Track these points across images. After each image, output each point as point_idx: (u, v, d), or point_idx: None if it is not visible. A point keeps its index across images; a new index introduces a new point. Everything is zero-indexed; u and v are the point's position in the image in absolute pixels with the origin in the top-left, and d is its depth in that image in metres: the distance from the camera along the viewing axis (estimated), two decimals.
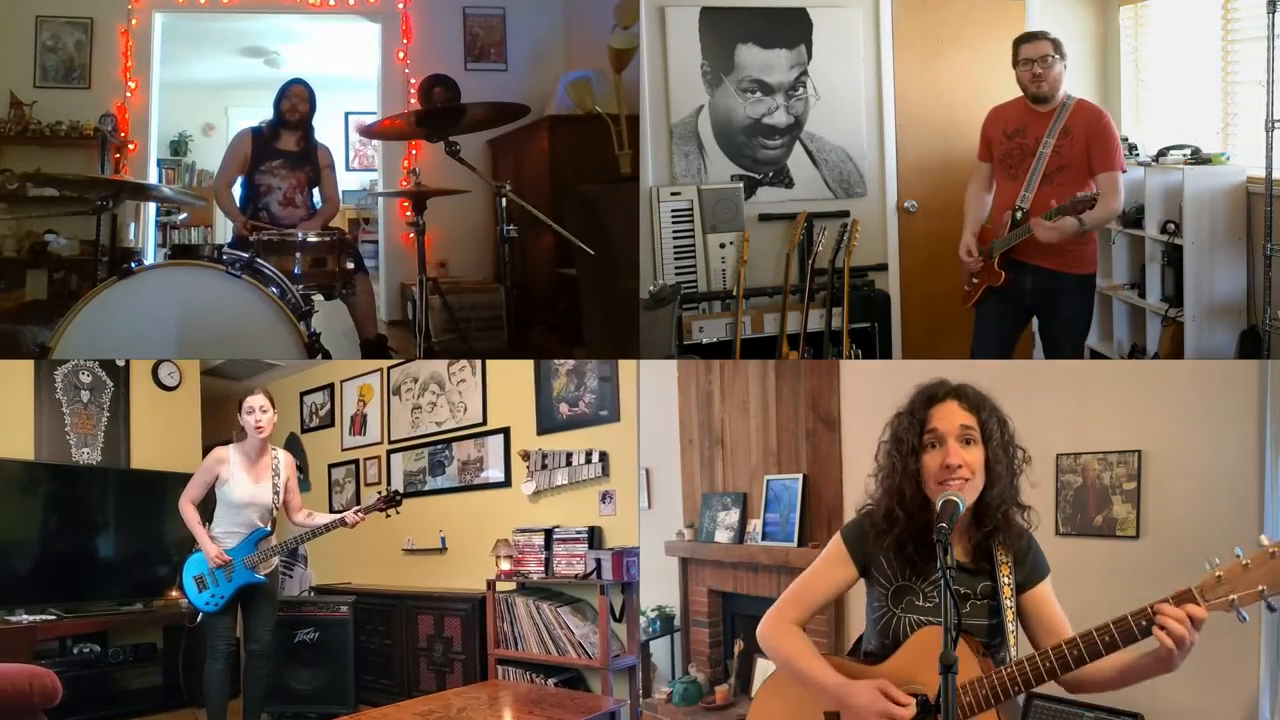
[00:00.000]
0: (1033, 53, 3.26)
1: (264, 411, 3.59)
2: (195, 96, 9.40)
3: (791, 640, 1.81)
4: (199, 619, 3.63)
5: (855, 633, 2.18)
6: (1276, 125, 3.39)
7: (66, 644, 4.46)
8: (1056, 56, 3.25)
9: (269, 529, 3.65)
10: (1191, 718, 2.57)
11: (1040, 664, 1.62)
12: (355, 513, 3.65)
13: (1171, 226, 3.85)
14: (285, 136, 4.49)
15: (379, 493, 3.77)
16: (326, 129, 4.76)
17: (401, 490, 3.80)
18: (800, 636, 1.83)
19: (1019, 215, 3.26)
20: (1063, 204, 3.12)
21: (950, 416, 1.71)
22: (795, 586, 1.90)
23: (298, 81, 4.57)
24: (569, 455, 4.20)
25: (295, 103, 4.47)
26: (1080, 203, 3.09)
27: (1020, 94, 3.36)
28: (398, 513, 3.72)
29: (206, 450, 5.52)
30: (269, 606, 3.73)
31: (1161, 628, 1.52)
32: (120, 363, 5.07)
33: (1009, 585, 1.71)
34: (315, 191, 4.64)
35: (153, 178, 6.44)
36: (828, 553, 1.87)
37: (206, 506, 3.69)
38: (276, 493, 3.66)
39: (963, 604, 1.69)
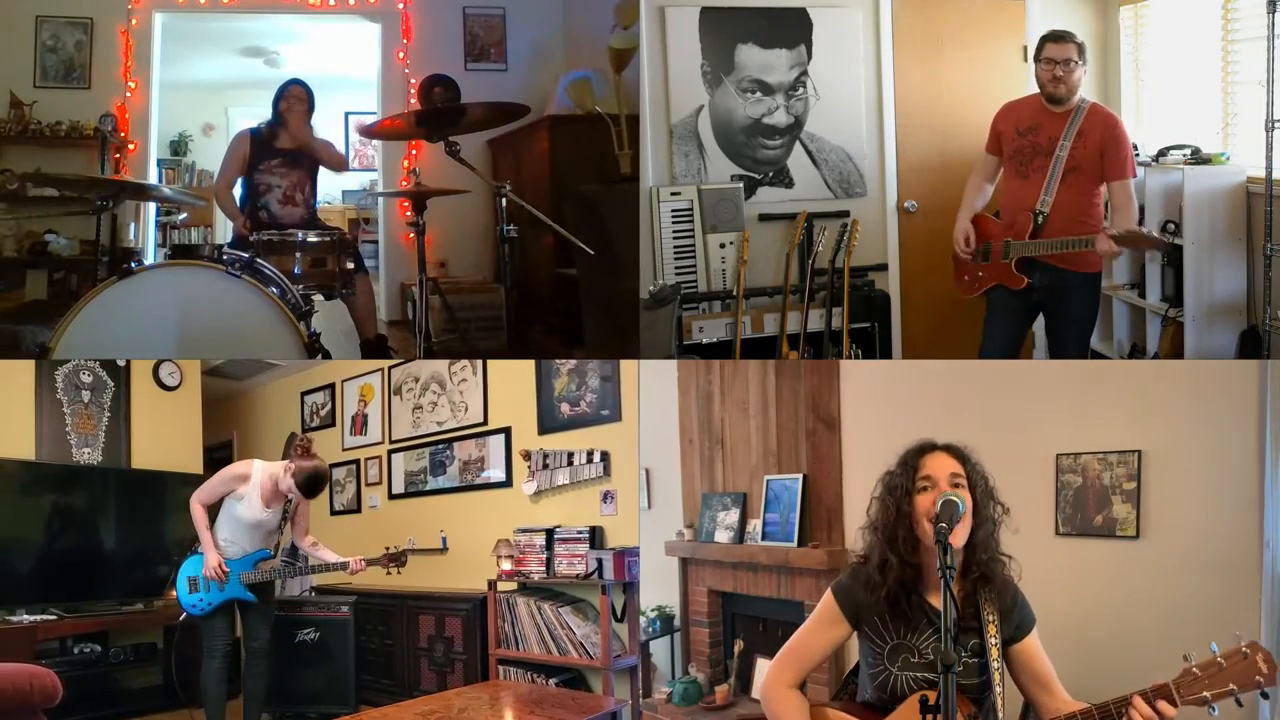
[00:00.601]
0: (1058, 54, 3.24)
1: (309, 499, 3.70)
2: (195, 96, 9.40)
3: (787, 707, 1.89)
4: (183, 617, 3.66)
5: (853, 660, 2.22)
6: (1276, 125, 3.39)
7: (67, 644, 4.46)
8: (1079, 61, 3.24)
9: (271, 554, 3.71)
10: (1192, 717, 2.57)
11: None
12: (359, 561, 3.75)
13: (1171, 226, 3.85)
14: (283, 136, 4.51)
15: (387, 548, 3.88)
16: (327, 129, 4.77)
17: (406, 559, 3.88)
18: (796, 703, 1.90)
19: (1040, 219, 3.25)
20: (1138, 234, 3.10)
21: (942, 465, 1.86)
22: (791, 645, 1.97)
23: (296, 82, 4.59)
24: (570, 455, 4.21)
25: (293, 103, 4.49)
26: (1154, 241, 3.09)
27: (1029, 91, 3.37)
28: (399, 571, 3.86)
29: (207, 450, 5.57)
30: (266, 607, 3.77)
31: None
32: (121, 362, 5.07)
33: (995, 645, 1.81)
34: (316, 189, 4.66)
35: (153, 178, 6.45)
36: (820, 611, 1.95)
37: (211, 507, 3.73)
38: (286, 518, 3.72)
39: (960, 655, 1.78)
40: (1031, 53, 3.41)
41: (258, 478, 3.65)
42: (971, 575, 1.83)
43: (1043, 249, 3.26)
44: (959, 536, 1.78)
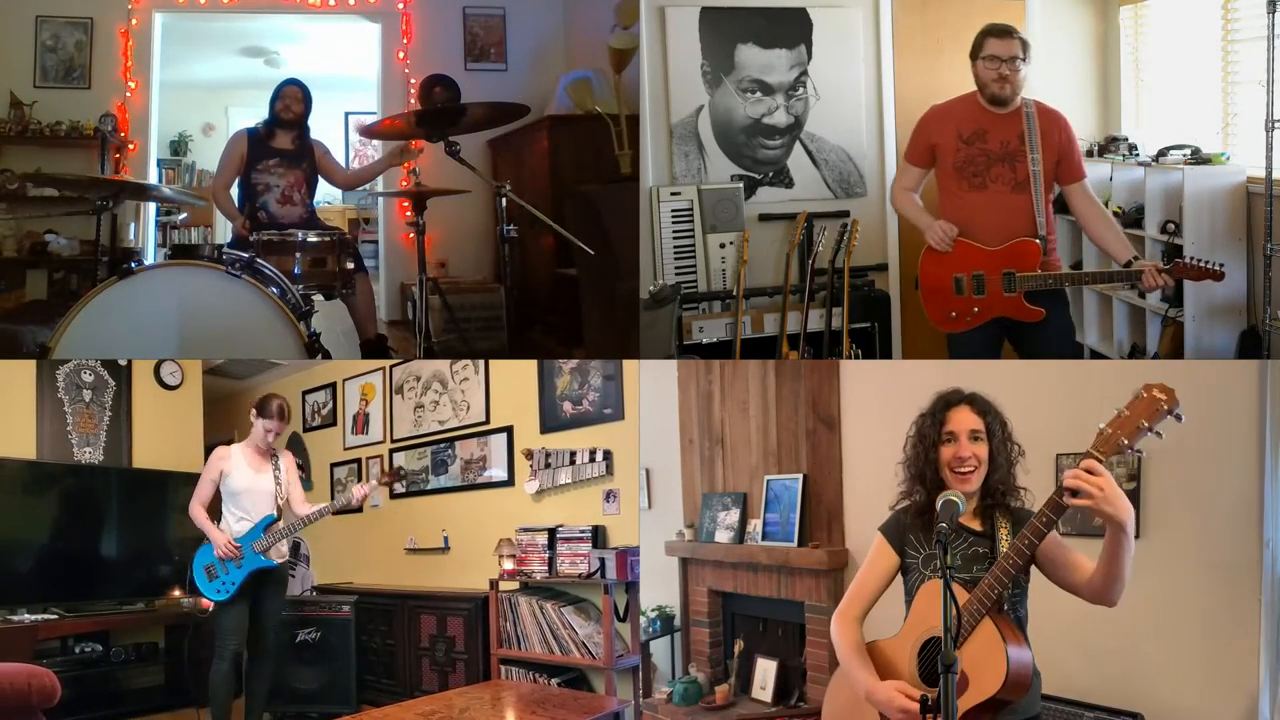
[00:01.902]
0: (1003, 51, 3.01)
1: (277, 434, 3.79)
2: (195, 96, 9.40)
3: (844, 639, 2.15)
4: (211, 611, 3.66)
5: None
6: (1276, 125, 3.39)
7: (68, 643, 4.46)
8: (1024, 59, 3.04)
9: (276, 515, 3.72)
10: (1191, 717, 2.58)
11: (1005, 563, 1.91)
12: (360, 487, 3.80)
13: (1171, 226, 3.85)
14: (280, 136, 4.51)
15: (383, 469, 3.93)
16: (327, 129, 4.78)
17: (405, 474, 3.92)
18: (851, 635, 2.14)
19: (1044, 246, 3.04)
20: (1188, 265, 2.91)
21: (963, 420, 2.09)
22: (852, 584, 2.22)
23: (292, 82, 4.60)
24: (572, 454, 4.21)
25: (289, 103, 4.50)
26: (1212, 272, 2.89)
27: (1032, 92, 3.15)
28: (404, 487, 3.79)
29: (209, 450, 5.56)
30: (278, 601, 3.79)
31: (1073, 493, 1.79)
32: (122, 362, 5.08)
33: (1007, 542, 2.01)
34: (315, 189, 4.65)
35: (153, 178, 6.44)
36: (872, 550, 2.21)
37: (214, 509, 3.76)
38: (279, 483, 3.75)
39: (981, 562, 2.03)
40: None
41: (236, 449, 3.79)
42: (986, 503, 2.08)
43: (1066, 281, 3.06)
44: (972, 483, 2.04)
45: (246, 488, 3.71)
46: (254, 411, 3.78)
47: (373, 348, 4.53)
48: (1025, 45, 3.05)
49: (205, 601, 3.71)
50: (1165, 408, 1.78)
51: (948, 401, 2.12)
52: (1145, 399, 1.80)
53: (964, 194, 3.13)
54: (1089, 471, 1.78)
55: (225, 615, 3.64)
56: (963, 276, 3.13)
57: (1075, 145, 3.12)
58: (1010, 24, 3.10)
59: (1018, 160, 3.07)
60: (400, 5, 6.45)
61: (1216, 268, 2.92)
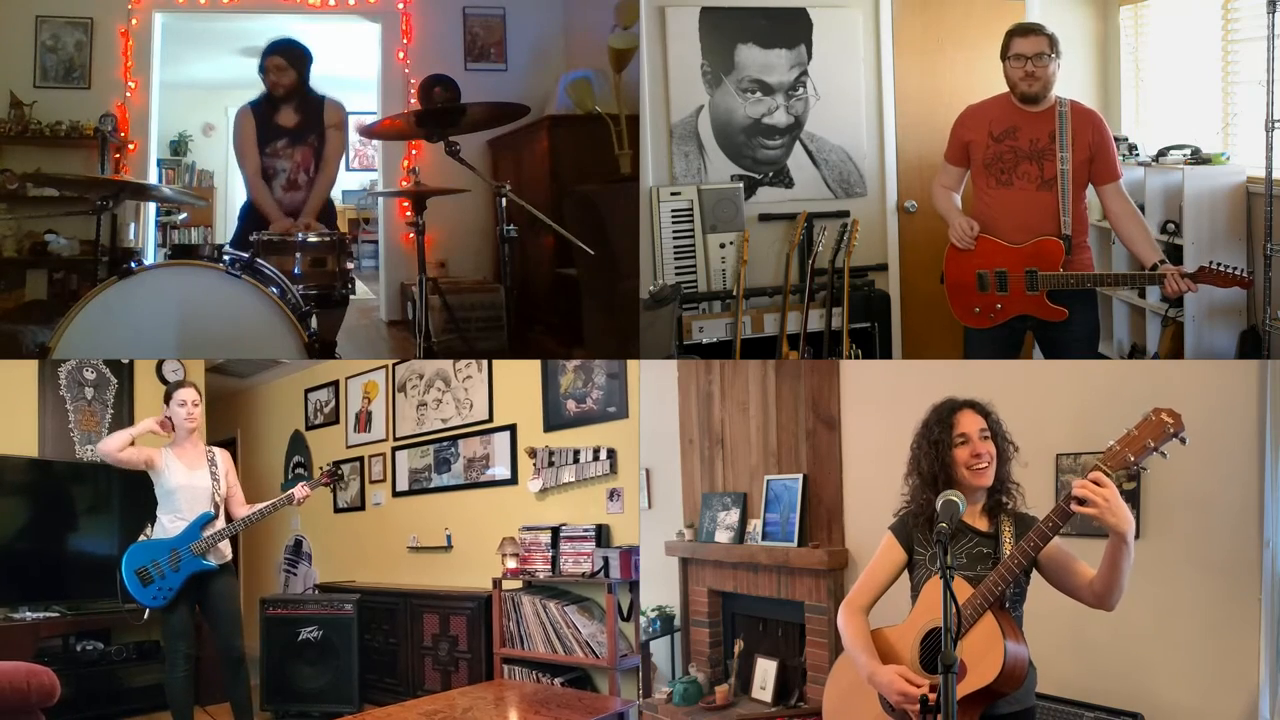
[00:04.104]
0: (1029, 49, 3.05)
1: (195, 405, 3.56)
2: (195, 96, 9.41)
3: (850, 626, 2.24)
4: (145, 616, 3.48)
5: None
6: (1276, 125, 3.38)
7: (69, 642, 4.47)
8: (1052, 55, 3.06)
9: (213, 513, 3.51)
10: (1191, 717, 2.58)
11: (1010, 562, 2.00)
12: (302, 487, 3.60)
13: (1171, 226, 3.85)
14: (283, 111, 4.24)
15: (322, 467, 3.81)
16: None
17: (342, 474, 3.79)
18: (857, 623, 2.24)
19: (1068, 245, 3.04)
20: (1215, 271, 2.87)
21: (972, 422, 2.19)
22: (861, 577, 2.31)
23: (275, 49, 4.20)
24: (576, 452, 4.21)
25: (277, 77, 4.16)
26: (1241, 280, 2.86)
27: (1000, 91, 3.18)
28: (343, 487, 3.66)
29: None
30: (230, 603, 3.54)
31: (1080, 501, 1.89)
32: (124, 360, 5.08)
33: (1009, 543, 2.11)
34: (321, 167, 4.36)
35: (153, 178, 6.44)
36: (881, 546, 2.29)
37: (149, 514, 3.57)
38: (216, 480, 3.54)
39: (984, 561, 2.11)
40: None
41: (166, 450, 3.54)
42: (994, 499, 2.19)
43: (1088, 282, 3.04)
44: (988, 477, 2.15)
45: (181, 485, 3.48)
46: (165, 403, 3.56)
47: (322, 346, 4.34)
48: (1053, 42, 3.07)
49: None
50: (1171, 431, 1.91)
51: (954, 407, 2.22)
52: (1154, 421, 1.92)
53: (991, 190, 3.17)
54: (1096, 483, 1.89)
55: (169, 620, 3.45)
56: (986, 273, 3.16)
57: (1109, 146, 3.11)
58: (1037, 22, 3.13)
59: (1046, 158, 3.09)
60: (400, 5, 6.46)
61: (1245, 275, 2.90)
